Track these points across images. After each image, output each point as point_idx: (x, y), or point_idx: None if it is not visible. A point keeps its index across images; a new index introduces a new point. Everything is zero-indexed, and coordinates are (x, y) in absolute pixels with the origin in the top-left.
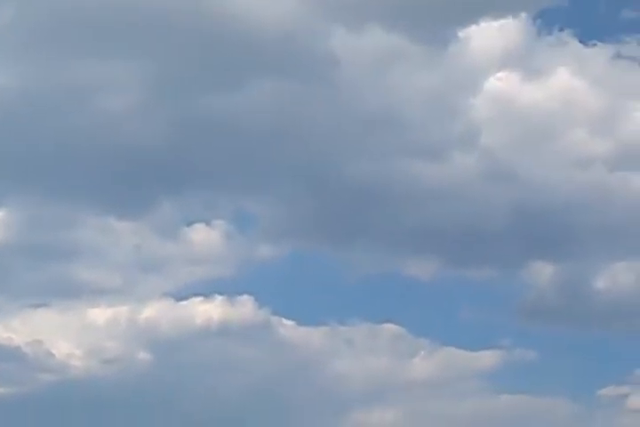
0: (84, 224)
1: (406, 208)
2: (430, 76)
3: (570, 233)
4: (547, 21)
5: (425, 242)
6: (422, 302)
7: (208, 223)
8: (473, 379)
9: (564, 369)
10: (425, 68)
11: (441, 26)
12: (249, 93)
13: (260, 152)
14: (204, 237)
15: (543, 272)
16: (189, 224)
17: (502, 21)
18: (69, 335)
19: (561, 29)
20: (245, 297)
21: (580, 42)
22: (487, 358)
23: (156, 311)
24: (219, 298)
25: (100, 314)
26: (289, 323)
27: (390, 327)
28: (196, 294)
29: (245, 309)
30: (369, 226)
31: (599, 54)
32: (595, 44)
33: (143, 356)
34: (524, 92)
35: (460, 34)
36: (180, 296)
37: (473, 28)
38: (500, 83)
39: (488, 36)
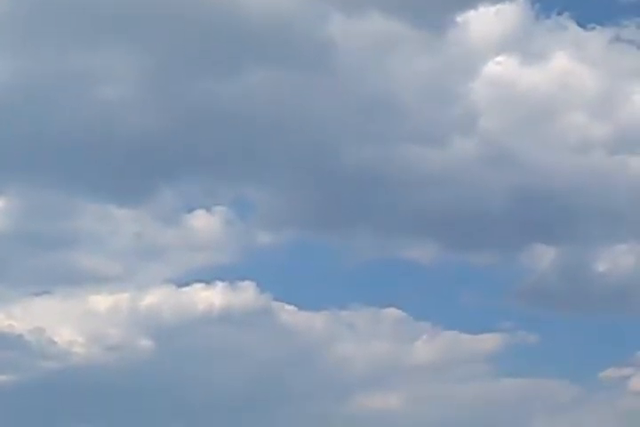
0: (85, 212)
1: (406, 193)
2: (429, 61)
3: (570, 216)
4: (545, 5)
5: (425, 227)
6: (423, 286)
7: (209, 210)
8: (474, 362)
9: (566, 352)
10: (424, 53)
11: (439, 11)
12: (247, 80)
13: (259, 139)
14: (205, 223)
15: (544, 255)
16: (190, 211)
17: (500, 6)
18: (71, 323)
19: (559, 13)
20: (247, 283)
21: (579, 25)
22: (488, 342)
23: (157, 298)
24: (220, 284)
25: (101, 301)
26: (290, 308)
27: (392, 312)
28: (198, 281)
29: (247, 294)
30: (369, 211)
31: (598, 38)
32: (593, 28)
33: (145, 343)
34: (523, 76)
35: (459, 19)
36: (181, 283)
37: (471, 13)
38: (499, 67)
39: (487, 20)
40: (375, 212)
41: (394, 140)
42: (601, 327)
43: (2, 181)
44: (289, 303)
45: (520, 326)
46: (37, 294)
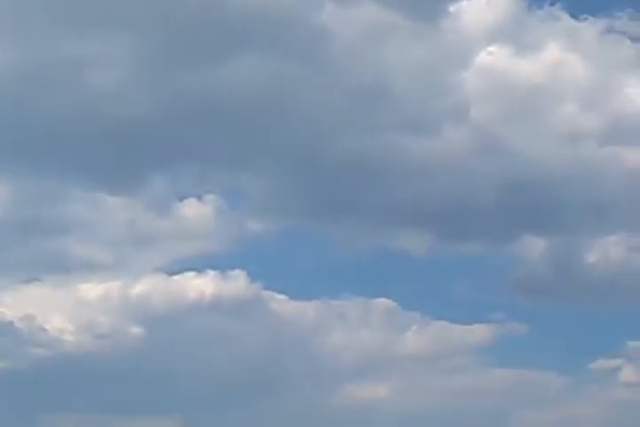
0: (76, 200)
1: (397, 182)
2: (421, 50)
3: (560, 207)
4: None
5: (416, 217)
6: (414, 277)
7: (200, 198)
8: (465, 353)
9: (556, 343)
10: (416, 42)
11: (432, 1)
12: (239, 69)
13: (250, 128)
14: (196, 212)
15: (534, 246)
16: (181, 199)
17: None
18: (62, 310)
19: (552, 4)
20: (237, 272)
21: (571, 16)
22: (479, 332)
23: (148, 286)
24: (211, 273)
25: (92, 289)
26: (281, 297)
27: (382, 302)
28: (189, 269)
29: (237, 283)
30: (360, 201)
31: (590, 29)
32: (586, 19)
33: (136, 330)
34: (515, 66)
35: (452, 8)
36: (172, 271)
37: (464, 3)
38: (491, 57)
39: (479, 10)
40: (366, 201)
41: (385, 129)
42: (591, 318)
43: None
44: (279, 292)
45: (510, 317)
46: (28, 282)
